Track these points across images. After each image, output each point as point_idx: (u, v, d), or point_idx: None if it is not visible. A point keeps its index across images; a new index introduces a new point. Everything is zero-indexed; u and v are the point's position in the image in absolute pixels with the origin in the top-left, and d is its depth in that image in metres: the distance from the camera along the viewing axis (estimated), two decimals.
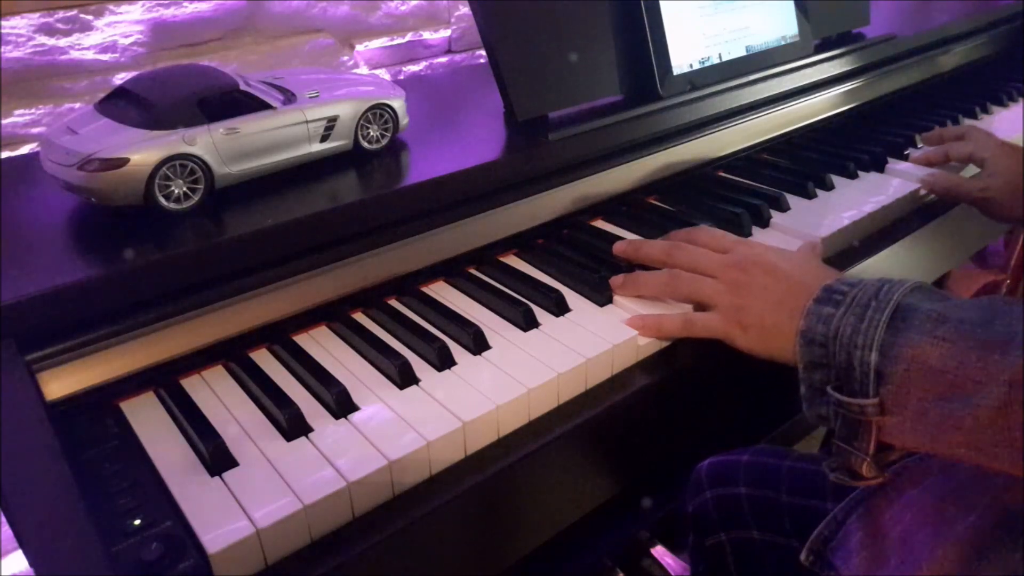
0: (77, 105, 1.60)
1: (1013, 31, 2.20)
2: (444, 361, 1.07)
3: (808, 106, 1.71)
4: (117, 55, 1.64)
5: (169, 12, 1.66)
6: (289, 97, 1.19)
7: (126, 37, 1.64)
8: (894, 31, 1.90)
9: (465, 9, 2.04)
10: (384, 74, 1.97)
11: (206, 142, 1.08)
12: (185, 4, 1.67)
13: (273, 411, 0.98)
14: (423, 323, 1.15)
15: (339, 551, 0.86)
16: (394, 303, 1.21)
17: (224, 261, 1.04)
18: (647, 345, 1.13)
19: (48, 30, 1.56)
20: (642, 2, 1.43)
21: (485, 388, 1.01)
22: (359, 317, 1.18)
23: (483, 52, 1.81)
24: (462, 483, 0.94)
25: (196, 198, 1.09)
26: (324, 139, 1.20)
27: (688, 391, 1.17)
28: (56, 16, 1.55)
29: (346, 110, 1.21)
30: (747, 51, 1.60)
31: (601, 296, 1.19)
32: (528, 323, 1.14)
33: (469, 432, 0.97)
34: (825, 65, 1.73)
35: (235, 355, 1.08)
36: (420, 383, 1.03)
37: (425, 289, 1.24)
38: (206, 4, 1.70)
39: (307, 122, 1.17)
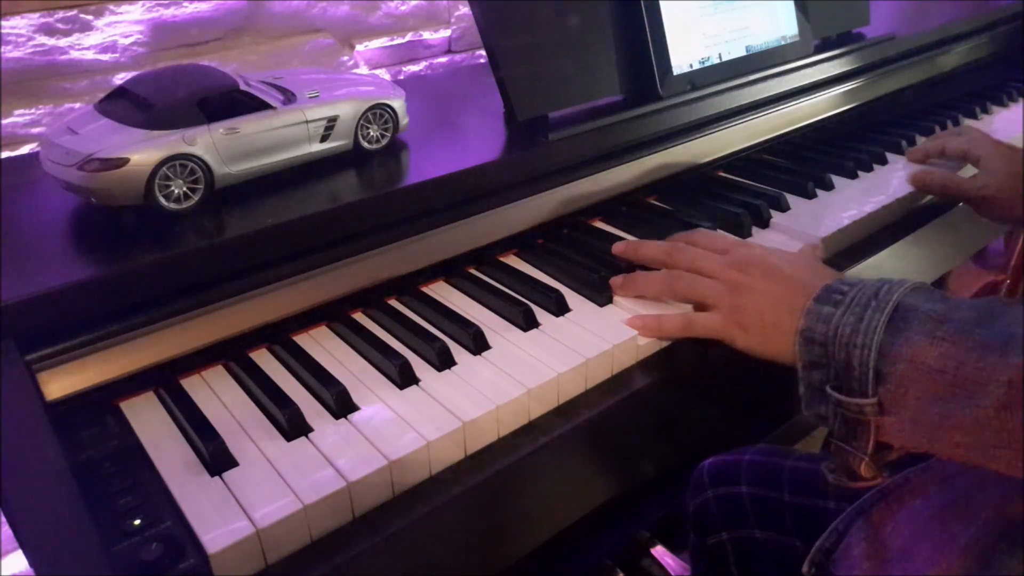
0: (77, 105, 1.60)
1: (1013, 31, 2.20)
2: (444, 361, 1.07)
3: (808, 106, 1.71)
4: (117, 55, 1.64)
5: (169, 12, 1.66)
6: (289, 97, 1.19)
7: (126, 37, 1.63)
8: (894, 31, 1.90)
9: (465, 9, 2.04)
10: (384, 74, 1.97)
11: (206, 142, 1.08)
12: (185, 4, 1.67)
13: (273, 411, 0.98)
14: (423, 323, 1.15)
15: (339, 551, 0.86)
16: (394, 303, 1.21)
17: (224, 261, 1.04)
18: (647, 345, 1.13)
19: (48, 30, 1.55)
20: (642, 2, 1.43)
21: (485, 388, 1.01)
22: (359, 317, 1.18)
23: (483, 52, 1.81)
24: (462, 483, 0.94)
25: (196, 198, 1.09)
26: (324, 139, 1.20)
27: (689, 390, 1.17)
28: (56, 16, 1.55)
29: (346, 110, 1.21)
30: (747, 51, 1.60)
31: (601, 296, 1.19)
32: (528, 323, 1.14)
33: (469, 432, 0.97)
34: (825, 65, 1.73)
35: (235, 355, 1.08)
36: (420, 383, 1.03)
37: (425, 289, 1.24)
38: (206, 4, 1.69)
39: (307, 122, 1.17)
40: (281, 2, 1.78)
